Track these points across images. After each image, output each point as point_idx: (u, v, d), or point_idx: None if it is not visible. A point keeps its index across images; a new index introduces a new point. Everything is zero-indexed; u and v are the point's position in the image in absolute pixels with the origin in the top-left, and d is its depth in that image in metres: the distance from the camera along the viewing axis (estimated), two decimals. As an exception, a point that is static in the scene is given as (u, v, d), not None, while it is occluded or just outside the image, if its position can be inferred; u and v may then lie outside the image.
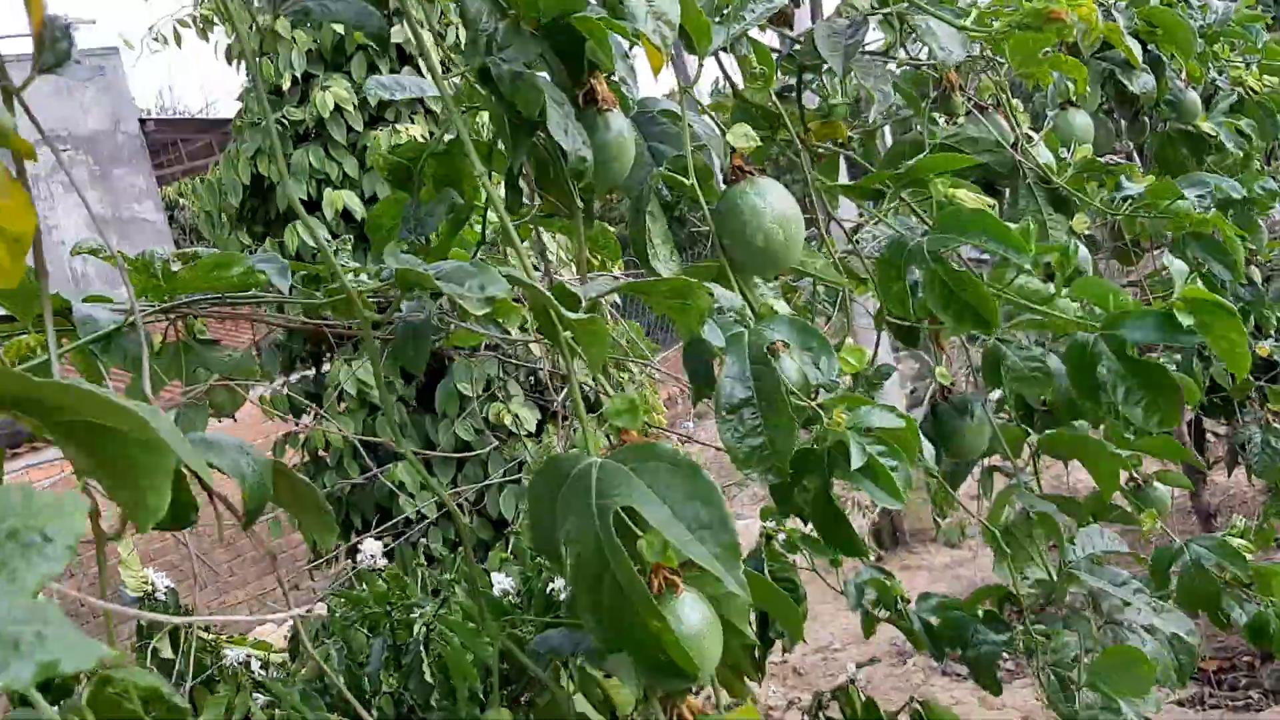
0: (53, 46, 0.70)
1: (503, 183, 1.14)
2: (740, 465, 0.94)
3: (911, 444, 0.99)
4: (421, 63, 4.64)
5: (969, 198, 1.22)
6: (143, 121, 12.52)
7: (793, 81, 1.45)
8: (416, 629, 1.57)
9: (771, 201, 1.03)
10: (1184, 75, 2.21)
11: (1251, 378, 2.98)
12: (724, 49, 1.12)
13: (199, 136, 14.23)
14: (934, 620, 2.00)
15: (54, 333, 0.70)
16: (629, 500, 0.78)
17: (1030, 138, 1.63)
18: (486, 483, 4.11)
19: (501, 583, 1.93)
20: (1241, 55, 2.60)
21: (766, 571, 2.35)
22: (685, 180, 1.02)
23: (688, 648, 0.81)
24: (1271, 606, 1.58)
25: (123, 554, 1.97)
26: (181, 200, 15.80)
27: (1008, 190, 1.69)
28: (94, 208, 8.38)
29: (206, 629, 1.88)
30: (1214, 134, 2.19)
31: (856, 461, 0.96)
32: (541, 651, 1.07)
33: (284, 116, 4.83)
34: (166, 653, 1.74)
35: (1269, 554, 6.13)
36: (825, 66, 1.39)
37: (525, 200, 1.16)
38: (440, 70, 1.01)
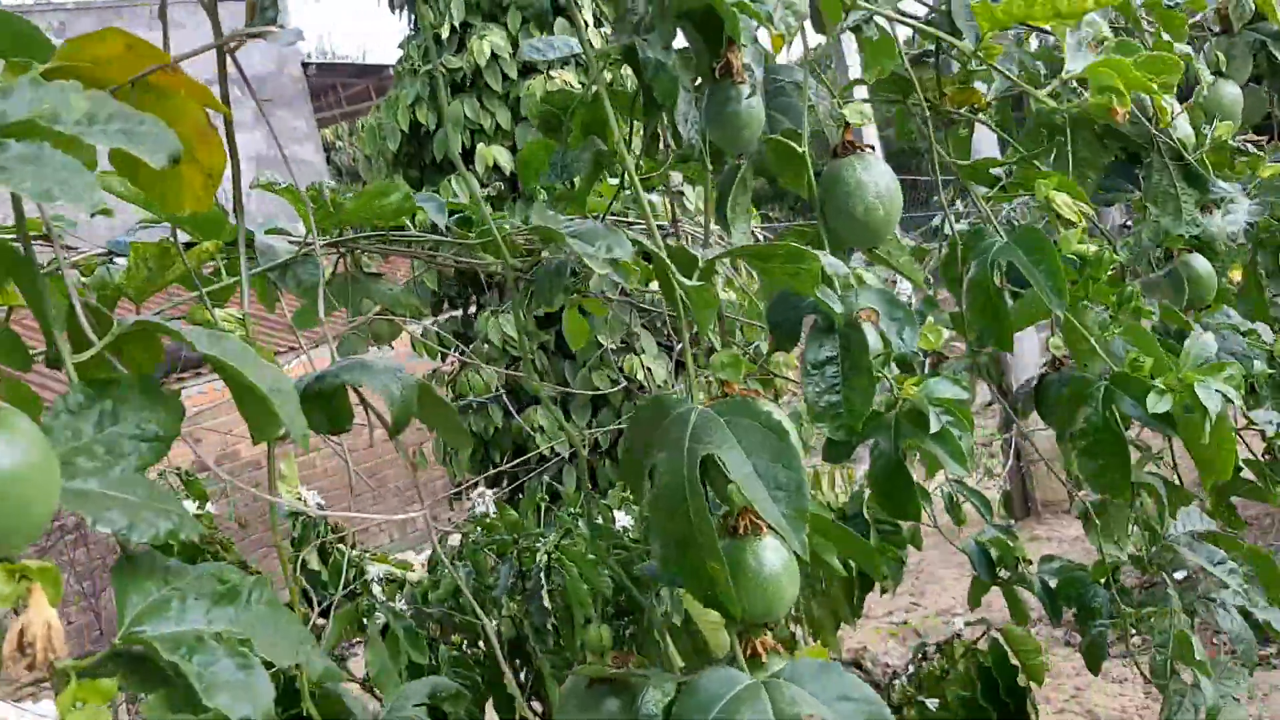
0: (261, 14, 0.81)
1: (643, 129, 1.22)
2: (815, 419, 1.00)
3: (969, 416, 1.04)
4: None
5: (1067, 205, 1.25)
6: (305, 65, 12.99)
7: (932, 47, 1.47)
8: (539, 557, 1.69)
9: (875, 177, 1.08)
10: (1352, 49, 2.12)
11: None
12: (852, 29, 1.16)
13: (356, 82, 14.70)
14: (1053, 582, 2.02)
15: (245, 258, 0.82)
16: (718, 450, 0.85)
17: (1167, 110, 1.61)
18: (616, 425, 4.25)
19: (621, 520, 2.04)
20: None
21: (866, 511, 2.41)
22: (798, 149, 1.08)
23: (763, 586, 0.90)
24: None
25: (284, 470, 2.15)
26: (338, 143, 16.40)
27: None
28: (258, 148, 8.80)
29: (353, 546, 2.05)
30: (1379, 110, 2.10)
31: (934, 426, 1.02)
32: (640, 574, 1.16)
33: (442, 64, 4.99)
34: (314, 564, 1.91)
35: None
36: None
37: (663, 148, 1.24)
38: (586, 30, 1.09)
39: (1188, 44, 2.01)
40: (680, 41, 1.00)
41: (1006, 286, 1.33)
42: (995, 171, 1.49)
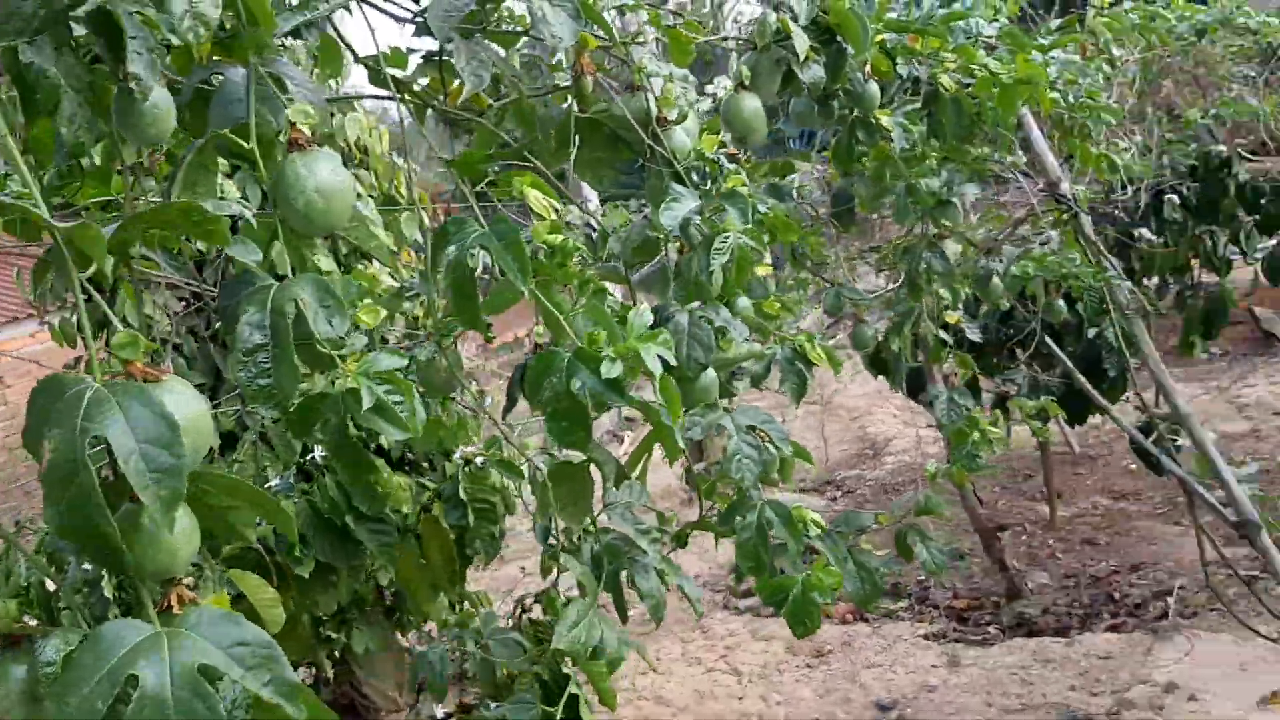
0: None
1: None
2: (251, 400, 1.10)
3: (408, 386, 1.17)
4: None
5: (539, 200, 1.41)
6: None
7: (436, 50, 1.60)
8: None
9: (316, 171, 1.18)
10: (868, 68, 2.43)
11: (943, 345, 3.30)
12: (296, 35, 1.26)
13: None
14: (597, 548, 2.21)
15: None
16: (106, 431, 0.93)
17: (667, 122, 1.81)
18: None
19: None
20: (952, 53, 2.84)
21: (463, 492, 2.53)
22: (246, 144, 1.17)
23: (158, 548, 0.98)
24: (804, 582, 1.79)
25: None
26: None
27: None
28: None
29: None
30: (888, 129, 2.42)
31: (367, 402, 1.13)
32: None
33: None
34: None
35: (1016, 508, 6.57)
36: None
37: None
38: None
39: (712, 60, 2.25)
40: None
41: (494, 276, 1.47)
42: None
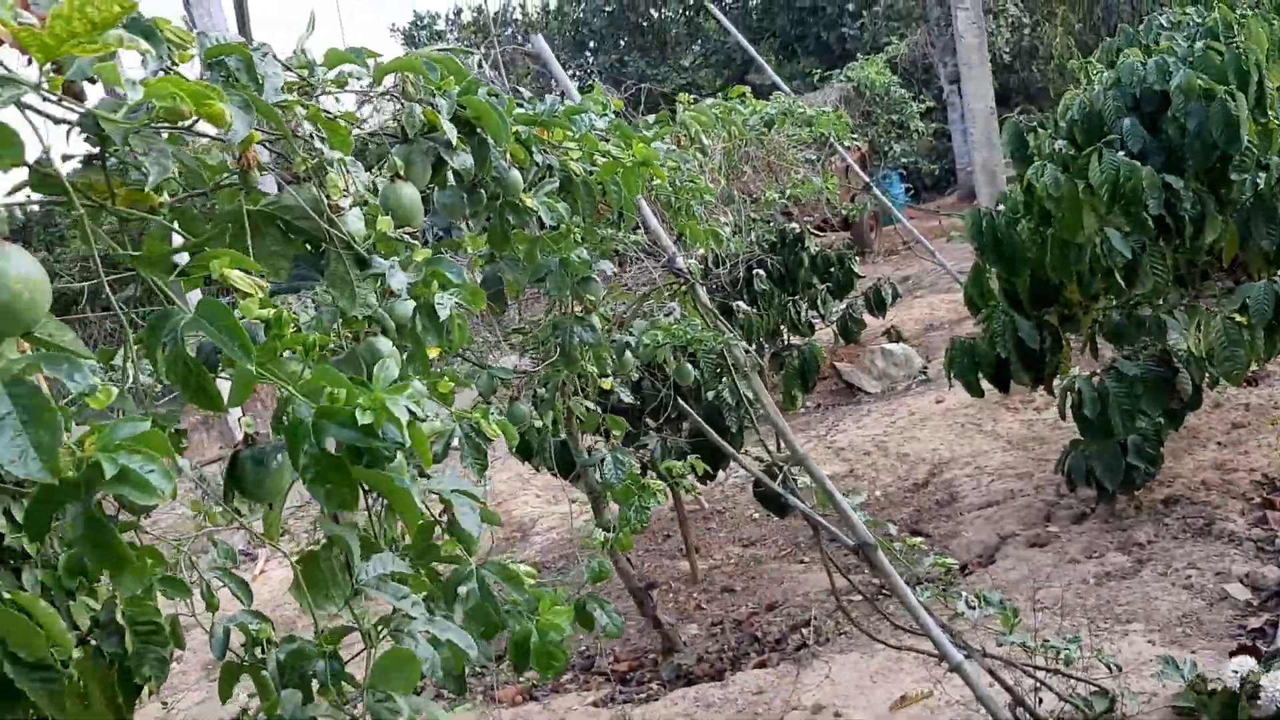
0: None
1: None
2: (12, 466, 1.02)
3: (164, 445, 1.14)
4: None
5: (242, 280, 1.42)
6: None
7: (97, 150, 1.56)
8: None
9: (16, 264, 1.15)
10: (508, 156, 2.61)
11: (595, 414, 3.52)
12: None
13: None
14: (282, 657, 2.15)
15: None
16: None
17: (339, 208, 1.86)
18: None
19: None
20: (575, 142, 3.09)
21: (120, 617, 2.37)
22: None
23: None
24: (537, 627, 1.89)
25: None
26: None
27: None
28: None
29: None
30: (534, 209, 2.61)
31: (110, 472, 1.10)
32: None
33: None
34: None
35: (660, 566, 6.98)
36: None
37: None
38: None
39: (364, 150, 2.33)
40: None
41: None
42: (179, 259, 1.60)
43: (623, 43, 24.23)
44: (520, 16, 25.49)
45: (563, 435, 4.50)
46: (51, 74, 1.23)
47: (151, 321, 1.32)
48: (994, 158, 14.86)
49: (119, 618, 2.66)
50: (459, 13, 27.18)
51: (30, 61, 1.24)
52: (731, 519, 7.76)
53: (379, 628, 1.72)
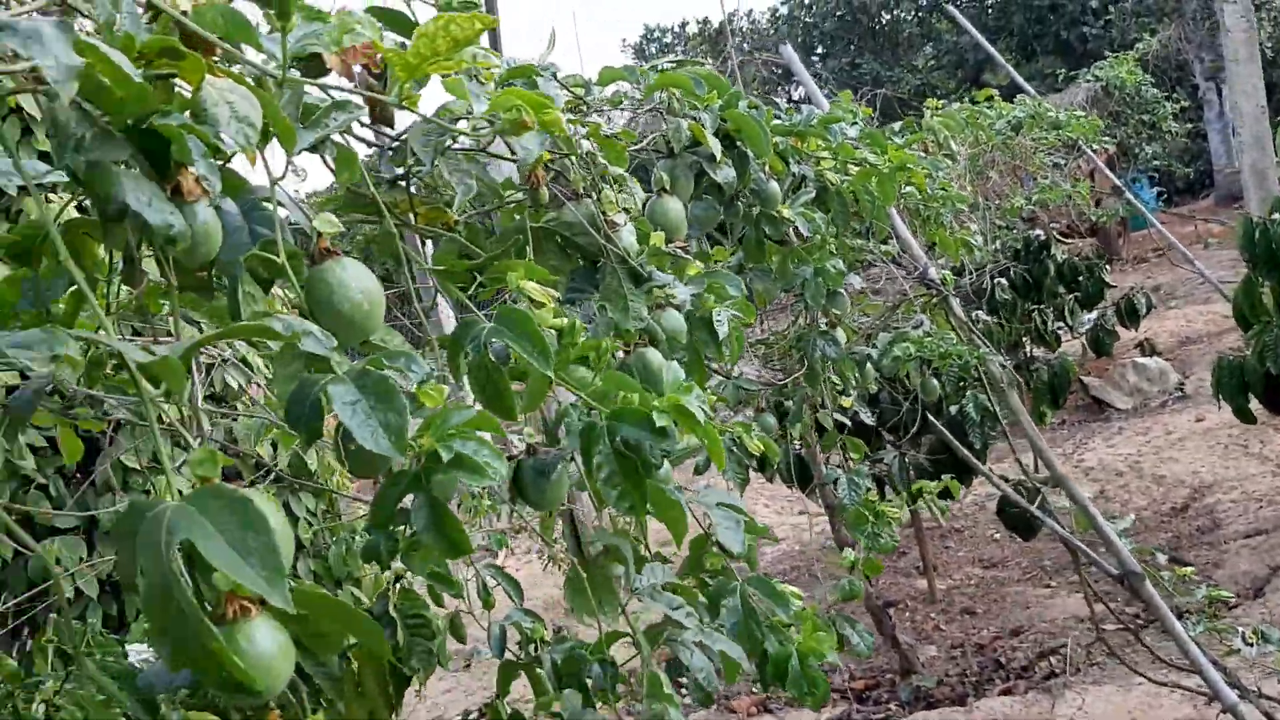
0: None
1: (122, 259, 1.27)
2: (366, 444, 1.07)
3: (495, 425, 1.19)
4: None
5: (536, 291, 1.47)
6: None
7: (402, 171, 1.65)
8: (35, 707, 1.60)
9: (355, 275, 1.22)
10: (767, 169, 2.60)
11: (837, 429, 3.46)
12: (313, 150, 1.30)
13: None
14: (559, 658, 2.21)
15: None
16: (190, 535, 0.92)
17: (615, 224, 1.90)
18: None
19: (141, 652, 1.97)
20: (830, 151, 3.06)
21: (392, 610, 2.50)
22: (277, 259, 1.19)
23: (254, 667, 0.97)
24: (798, 650, 1.85)
25: None
26: None
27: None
28: None
29: None
30: (792, 220, 2.59)
31: (446, 457, 1.15)
32: (142, 687, 1.17)
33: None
34: None
35: (897, 585, 6.82)
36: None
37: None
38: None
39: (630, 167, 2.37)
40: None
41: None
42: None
43: (853, 46, 23.91)
44: (746, 25, 25.57)
45: (800, 447, 4.46)
46: (411, 92, 1.30)
47: (456, 333, 1.38)
48: (1264, 159, 13.71)
49: (391, 610, 2.80)
50: (684, 25, 27.54)
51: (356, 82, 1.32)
52: (971, 538, 7.48)
53: (651, 635, 1.74)
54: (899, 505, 3.60)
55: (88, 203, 1.33)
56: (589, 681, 1.99)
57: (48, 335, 0.97)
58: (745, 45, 22.47)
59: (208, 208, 1.10)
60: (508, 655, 2.36)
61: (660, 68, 2.40)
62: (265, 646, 1.01)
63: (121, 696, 1.67)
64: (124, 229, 1.12)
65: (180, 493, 1.00)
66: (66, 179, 1.34)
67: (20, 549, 3.96)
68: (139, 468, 4.25)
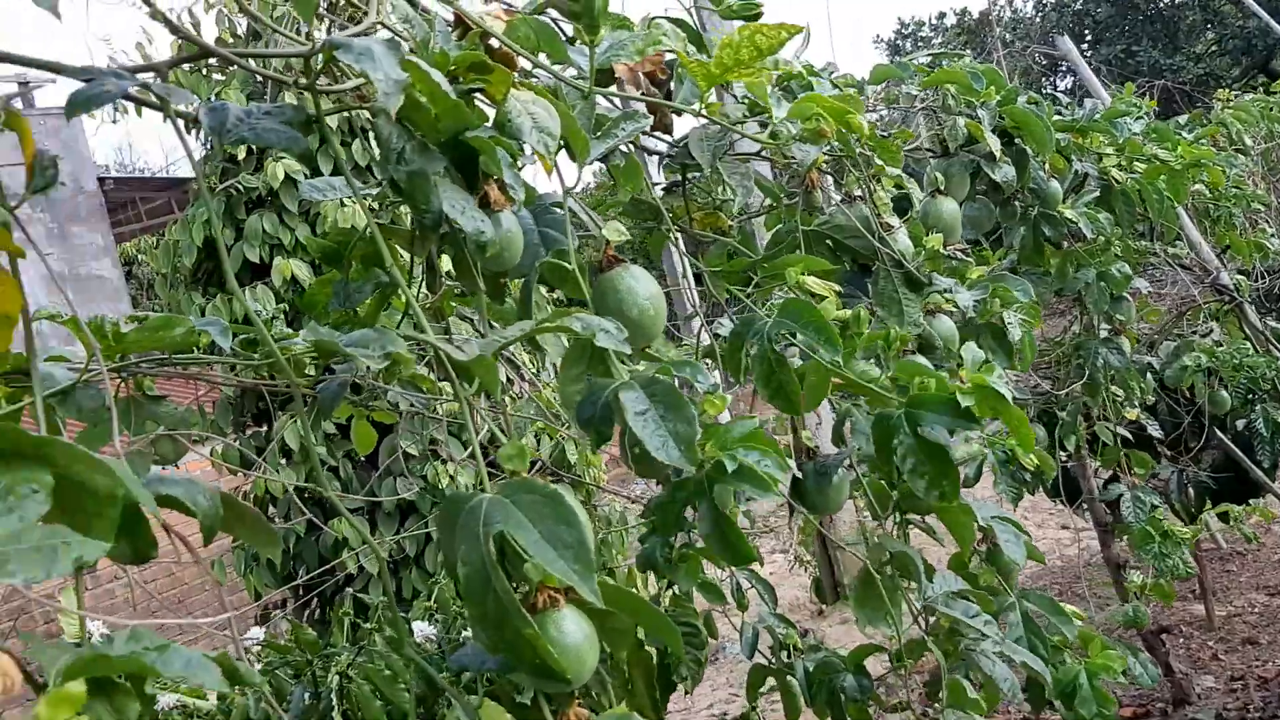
0: (42, 173, 0.90)
1: (423, 265, 1.36)
2: (656, 453, 1.10)
3: (772, 441, 1.19)
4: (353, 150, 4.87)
5: (816, 285, 1.45)
6: (101, 180, 12.62)
7: (679, 179, 1.69)
8: (331, 677, 1.73)
9: (643, 283, 1.25)
10: (1047, 167, 2.48)
11: (1120, 444, 3.25)
12: (604, 160, 1.34)
13: (158, 195, 14.31)
14: (811, 666, 2.18)
15: (40, 391, 0.89)
16: (506, 526, 0.97)
17: (889, 226, 1.86)
18: (408, 533, 4.28)
19: (424, 630, 2.09)
20: (1114, 148, 2.88)
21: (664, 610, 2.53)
22: (568, 266, 1.24)
23: (564, 655, 1.01)
24: (1086, 668, 1.75)
25: (63, 602, 2.10)
26: (140, 256, 15.92)
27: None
28: (52, 265, 8.46)
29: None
30: (1074, 221, 2.46)
31: (730, 468, 1.16)
32: (454, 668, 1.25)
33: (238, 183, 5.02)
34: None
35: (1170, 609, 6.36)
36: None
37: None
38: (348, 169, 1.22)
39: (906, 167, 2.31)
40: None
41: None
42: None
43: (1127, 33, 22.45)
44: (1009, 15, 24.50)
45: (1067, 459, 4.22)
46: (710, 100, 1.33)
47: (736, 330, 1.39)
48: None
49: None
50: (941, 16, 26.65)
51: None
52: (1255, 562, 6.88)
53: (947, 643, 1.69)
54: (1197, 527, 3.33)
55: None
56: (842, 693, 1.96)
57: (380, 335, 1.05)
58: (1007, 36, 21.53)
59: (511, 216, 1.16)
60: (758, 658, 2.36)
61: (918, 62, 2.33)
62: (575, 636, 1.04)
63: (405, 674, 1.78)
64: (434, 237, 1.20)
65: (478, 485, 1.06)
66: (375, 192, 1.45)
67: (314, 524, 4.32)
68: (416, 455, 4.52)
